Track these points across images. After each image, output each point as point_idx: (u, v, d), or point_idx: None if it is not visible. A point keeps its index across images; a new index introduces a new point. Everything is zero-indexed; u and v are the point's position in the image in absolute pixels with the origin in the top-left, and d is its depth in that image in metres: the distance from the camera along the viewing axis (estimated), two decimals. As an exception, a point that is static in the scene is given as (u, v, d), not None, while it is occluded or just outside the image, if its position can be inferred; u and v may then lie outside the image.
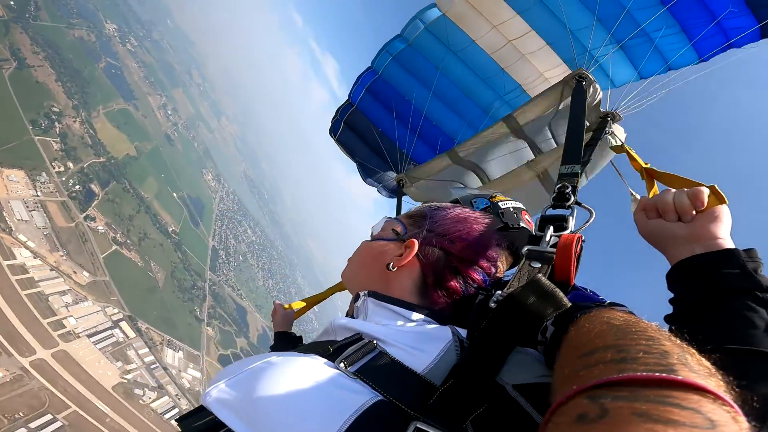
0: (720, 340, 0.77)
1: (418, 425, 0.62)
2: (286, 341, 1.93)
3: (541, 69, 2.83)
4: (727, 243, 0.92)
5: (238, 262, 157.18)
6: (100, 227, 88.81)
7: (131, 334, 79.43)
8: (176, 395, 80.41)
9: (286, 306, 2.15)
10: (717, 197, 0.96)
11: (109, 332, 74.46)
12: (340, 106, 3.57)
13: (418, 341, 0.81)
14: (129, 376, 73.34)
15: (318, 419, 0.61)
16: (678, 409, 0.30)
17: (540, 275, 0.80)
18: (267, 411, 0.62)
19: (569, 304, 0.74)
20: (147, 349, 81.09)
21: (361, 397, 0.66)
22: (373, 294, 1.01)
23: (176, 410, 76.42)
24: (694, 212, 0.96)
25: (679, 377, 0.34)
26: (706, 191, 0.96)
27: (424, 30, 2.94)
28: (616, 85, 2.51)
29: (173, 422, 0.74)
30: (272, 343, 1.99)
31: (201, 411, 0.71)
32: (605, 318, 0.57)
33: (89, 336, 69.60)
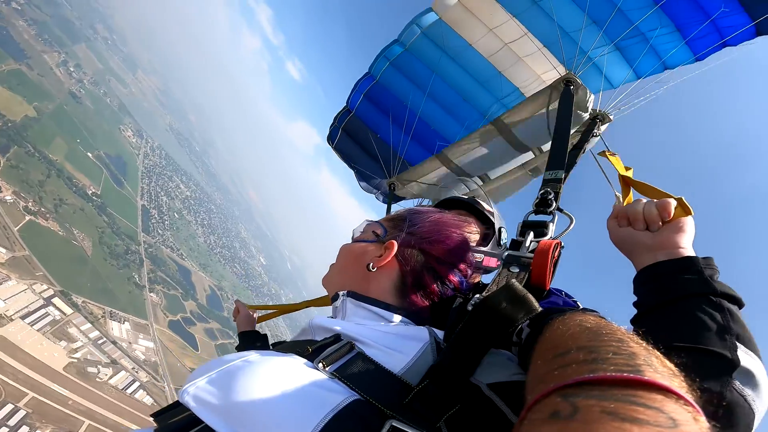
0: (672, 339, 0.81)
1: (393, 423, 0.64)
2: (251, 340, 1.88)
3: (539, 71, 2.82)
4: (688, 252, 0.97)
5: (173, 220, 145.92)
6: (7, 197, 77.56)
7: (68, 310, 73.87)
8: (133, 368, 76.92)
9: (249, 307, 2.12)
10: (683, 209, 1.01)
11: (43, 311, 68.69)
12: (338, 113, 3.59)
13: (395, 342, 0.83)
14: (77, 355, 69.22)
15: (295, 417, 0.62)
16: (643, 408, 0.32)
17: (513, 281, 0.84)
18: (245, 409, 0.63)
19: (539, 309, 0.78)
20: (89, 324, 75.66)
21: (338, 396, 0.67)
22: (352, 294, 1.04)
23: (137, 383, 73.78)
24: (660, 222, 1.01)
25: (645, 377, 0.36)
26: (673, 203, 1.01)
27: (421, 35, 2.96)
28: (614, 85, 2.47)
29: (149, 418, 0.78)
30: (237, 342, 1.92)
31: (177, 407, 0.73)
32: (578, 321, 0.59)
33: (23, 318, 63.92)
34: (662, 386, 0.36)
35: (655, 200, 1.06)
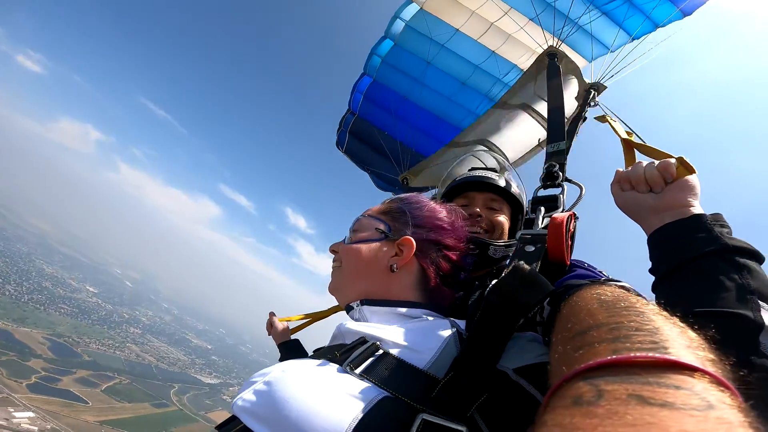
0: (689, 304, 0.77)
1: (424, 417, 0.67)
2: (291, 350, 1.91)
3: (532, 46, 2.79)
4: (696, 210, 0.92)
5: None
6: None
7: None
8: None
9: (280, 320, 2.16)
10: (685, 167, 0.97)
11: None
12: (343, 117, 3.59)
13: (418, 338, 0.85)
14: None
15: (331, 419, 0.66)
16: (673, 390, 0.30)
17: (521, 263, 0.82)
18: (286, 415, 0.69)
19: (551, 288, 0.77)
20: None
21: (368, 395, 0.71)
22: (367, 302, 1.03)
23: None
24: (664, 183, 0.97)
25: (672, 357, 0.34)
26: (674, 162, 0.98)
27: (407, 27, 2.92)
28: (607, 49, 2.43)
29: (214, 429, 0.83)
30: (279, 355, 1.93)
31: (233, 420, 0.78)
32: (595, 294, 0.58)
33: None
34: (692, 366, 0.33)
35: (656, 161, 1.02)
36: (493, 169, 1.73)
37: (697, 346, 0.39)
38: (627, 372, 0.34)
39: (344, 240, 1.14)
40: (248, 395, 0.76)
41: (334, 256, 1.15)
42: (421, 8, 2.84)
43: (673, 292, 0.84)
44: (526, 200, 1.60)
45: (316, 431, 0.66)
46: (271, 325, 2.07)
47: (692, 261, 0.83)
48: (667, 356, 0.34)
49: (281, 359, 1.81)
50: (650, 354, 0.34)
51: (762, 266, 0.81)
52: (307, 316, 2.22)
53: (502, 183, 1.59)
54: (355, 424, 0.66)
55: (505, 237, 1.50)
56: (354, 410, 0.67)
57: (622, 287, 0.79)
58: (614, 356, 0.36)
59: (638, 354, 0.35)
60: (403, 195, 1.21)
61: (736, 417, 0.28)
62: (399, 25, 2.98)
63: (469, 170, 1.73)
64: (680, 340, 0.39)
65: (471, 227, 1.36)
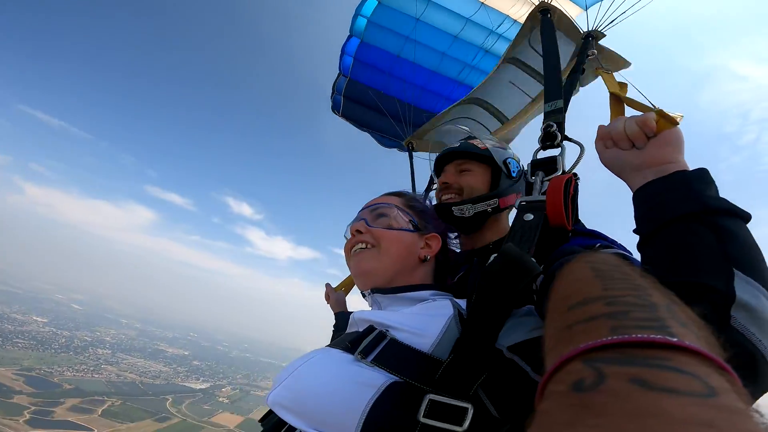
0: (665, 273, 0.72)
1: (431, 397, 0.73)
2: (339, 324, 1.97)
3: None
4: (678, 166, 0.88)
5: None
6: None
7: None
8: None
9: (336, 288, 2.20)
10: (667, 120, 0.92)
11: None
12: (335, 81, 3.49)
13: (422, 322, 0.90)
14: None
15: (346, 406, 0.74)
16: (675, 374, 0.29)
17: (508, 245, 0.83)
18: (308, 405, 0.79)
19: (538, 270, 0.77)
20: None
21: (378, 381, 0.78)
22: (378, 290, 1.12)
23: None
24: (646, 138, 0.93)
25: (674, 339, 0.32)
26: (653, 116, 0.93)
27: None
28: None
29: (258, 422, 0.97)
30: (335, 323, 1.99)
31: (271, 413, 0.89)
32: (590, 263, 0.56)
33: None
34: (693, 348, 0.32)
35: (636, 116, 0.98)
36: (467, 138, 1.73)
37: (695, 324, 0.39)
38: (627, 354, 0.32)
39: (364, 221, 1.20)
40: (279, 390, 0.87)
41: (356, 236, 1.19)
42: None
43: (652, 259, 0.80)
44: (500, 152, 1.61)
45: (335, 418, 0.76)
46: (328, 297, 2.15)
47: (670, 223, 0.78)
48: (668, 338, 0.33)
49: (335, 327, 1.94)
50: (651, 335, 0.33)
51: (747, 226, 0.76)
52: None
53: (467, 146, 1.63)
54: (369, 409, 0.73)
55: (481, 192, 1.53)
56: (366, 396, 0.76)
57: (618, 254, 0.84)
58: (614, 337, 0.34)
59: (639, 334, 0.33)
60: (412, 195, 1.34)
61: (739, 403, 0.27)
62: (381, -18, 2.84)
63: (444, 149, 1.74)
64: (679, 318, 0.38)
65: (445, 195, 1.54)
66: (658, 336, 0.33)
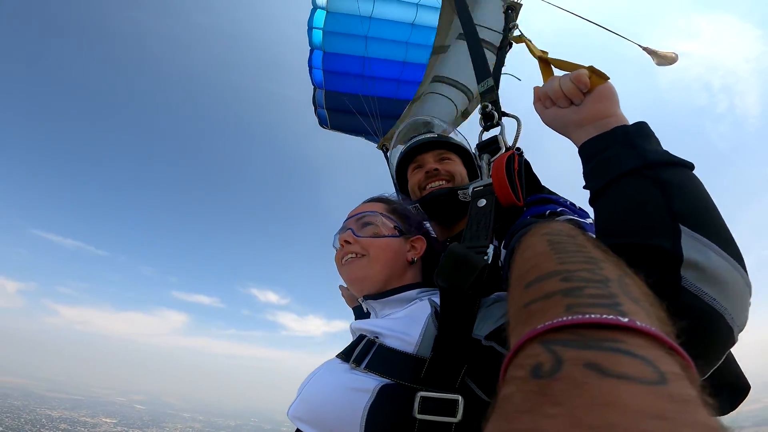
0: (612, 235, 0.70)
1: (422, 394, 0.76)
2: (360, 311, 2.03)
3: None
4: (618, 120, 0.86)
5: None
6: None
7: None
8: None
9: (341, 286, 2.26)
10: (598, 75, 0.92)
11: None
12: (313, 96, 3.51)
13: (405, 325, 0.93)
14: None
15: (348, 411, 0.80)
16: (628, 359, 0.29)
17: (454, 244, 0.85)
18: (317, 414, 0.87)
19: (482, 263, 0.78)
20: None
21: (371, 385, 0.82)
22: (369, 297, 1.15)
23: None
24: (582, 95, 0.93)
25: (624, 320, 0.32)
26: (585, 72, 0.93)
27: None
28: None
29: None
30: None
31: None
32: (544, 236, 0.56)
33: None
34: (643, 329, 0.32)
35: (569, 74, 0.97)
36: (428, 131, 1.77)
37: (647, 299, 0.39)
38: (581, 335, 0.33)
39: (351, 231, 1.21)
40: (296, 404, 0.96)
41: (345, 246, 1.21)
42: None
43: (601, 219, 0.78)
44: (469, 144, 1.65)
45: (340, 425, 0.83)
46: (342, 293, 2.21)
47: (614, 182, 0.75)
48: (619, 318, 0.33)
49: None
50: (604, 315, 0.33)
51: (692, 175, 0.72)
52: None
53: (444, 137, 1.67)
54: (366, 413, 0.79)
55: (465, 180, 1.55)
56: (362, 401, 0.80)
57: (571, 221, 0.87)
58: (569, 317, 0.34)
59: (592, 314, 0.34)
60: (394, 199, 1.36)
61: (689, 390, 0.27)
62: (320, -8, 2.87)
63: (409, 139, 1.75)
64: (631, 294, 0.38)
65: (433, 183, 1.51)
66: (610, 317, 0.33)
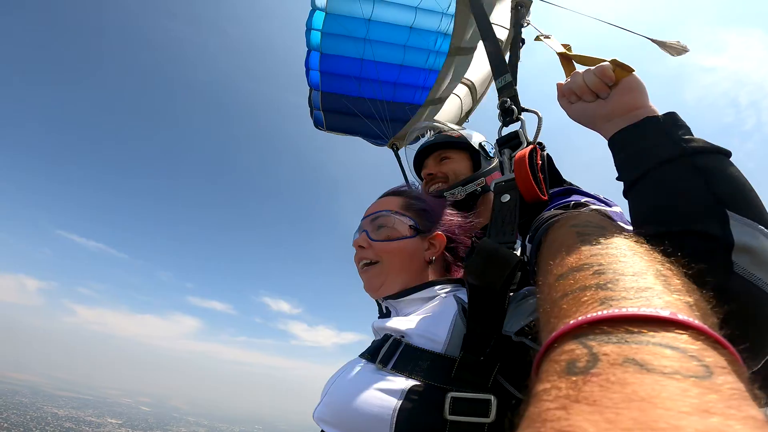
0: (652, 225, 0.68)
1: (452, 395, 0.74)
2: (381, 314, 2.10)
3: None
4: (648, 111, 0.85)
5: None
6: None
7: None
8: None
9: None
10: (622, 68, 0.92)
11: None
12: (309, 98, 3.49)
13: (432, 324, 0.91)
14: None
15: (376, 413, 0.77)
16: (670, 352, 0.27)
17: (483, 240, 0.85)
18: (344, 416, 0.84)
19: (516, 259, 0.77)
20: None
21: (400, 386, 0.79)
22: (390, 297, 1.12)
23: None
24: (607, 88, 0.92)
25: (663, 314, 0.31)
26: (609, 66, 0.92)
27: None
28: None
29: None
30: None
31: None
32: (573, 227, 0.55)
33: None
34: (685, 322, 0.31)
35: (592, 68, 0.97)
36: (436, 132, 1.79)
37: (687, 290, 0.37)
38: (618, 329, 0.31)
39: (366, 234, 1.20)
40: (321, 407, 0.92)
41: (359, 252, 1.19)
42: None
43: (638, 209, 0.76)
44: (474, 136, 1.67)
45: (368, 426, 0.78)
46: None
47: (651, 171, 0.74)
48: (659, 312, 0.31)
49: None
50: (642, 308, 0.32)
51: (730, 161, 0.70)
52: None
53: (442, 136, 1.71)
54: (396, 415, 0.75)
55: (467, 176, 1.58)
56: (391, 403, 0.77)
57: (598, 212, 0.82)
58: (604, 312, 0.33)
59: (629, 308, 0.33)
60: (413, 192, 1.30)
61: (736, 384, 0.26)
62: (320, -7, 2.87)
63: (414, 140, 1.84)
64: (670, 285, 0.37)
65: (432, 187, 1.57)
66: (649, 310, 0.32)
